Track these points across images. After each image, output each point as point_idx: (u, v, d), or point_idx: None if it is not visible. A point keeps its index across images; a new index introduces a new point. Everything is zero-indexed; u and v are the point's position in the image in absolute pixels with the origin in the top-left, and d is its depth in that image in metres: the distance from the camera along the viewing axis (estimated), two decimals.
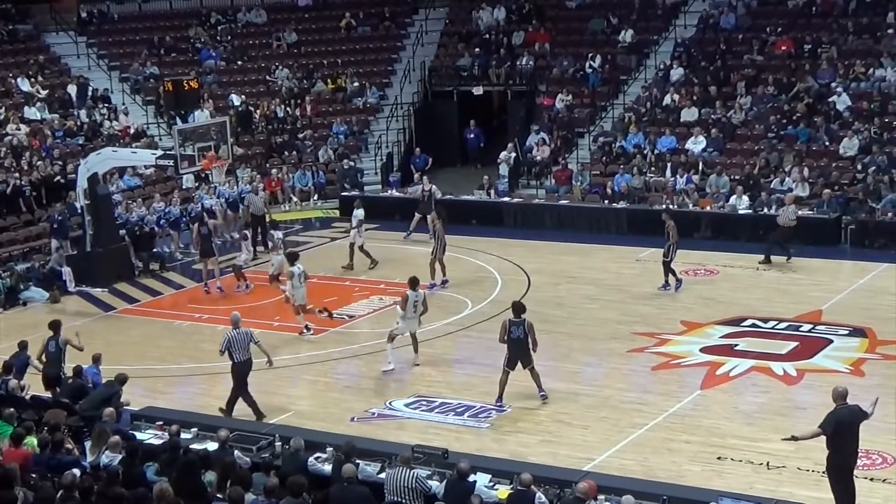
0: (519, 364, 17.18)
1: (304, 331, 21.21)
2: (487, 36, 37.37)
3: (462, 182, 31.26)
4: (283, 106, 35.81)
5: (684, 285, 22.97)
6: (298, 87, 36.71)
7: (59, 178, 28.84)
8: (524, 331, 17.03)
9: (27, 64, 34.90)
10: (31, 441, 13.64)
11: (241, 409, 17.40)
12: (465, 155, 36.28)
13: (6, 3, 36.94)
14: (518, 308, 17.35)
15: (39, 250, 26.73)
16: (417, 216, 27.73)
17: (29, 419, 14.70)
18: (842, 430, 12.75)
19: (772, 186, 27.81)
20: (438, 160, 34.00)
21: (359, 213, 25.79)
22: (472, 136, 35.52)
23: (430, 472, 13.10)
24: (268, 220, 28.44)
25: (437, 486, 12.73)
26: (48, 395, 16.89)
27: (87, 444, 14.24)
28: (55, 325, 18.00)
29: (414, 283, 19.25)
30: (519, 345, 17.07)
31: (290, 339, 21.13)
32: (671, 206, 27.02)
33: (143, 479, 12.56)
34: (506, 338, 17.13)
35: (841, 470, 12.82)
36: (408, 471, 12.56)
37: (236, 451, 13.59)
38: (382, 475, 12.99)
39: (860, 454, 13.27)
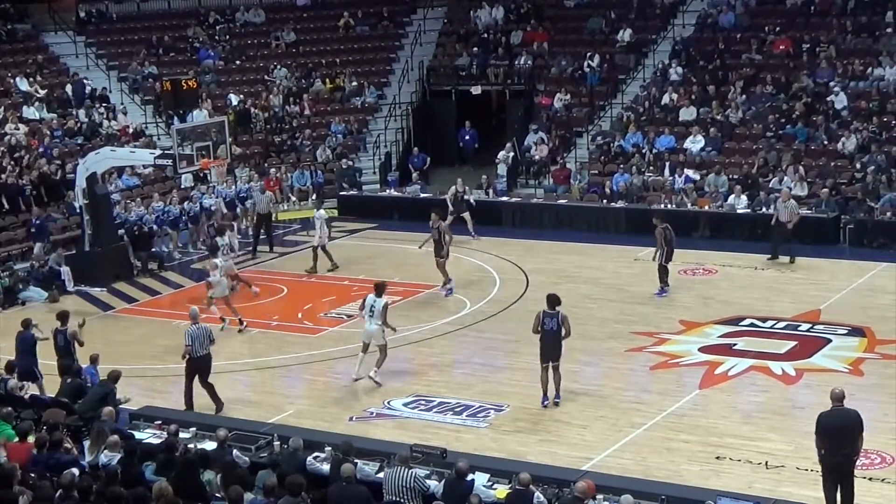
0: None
1: (221, 321, 21.34)
2: (486, 35, 37.33)
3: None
4: (280, 99, 35.75)
5: (683, 285, 23.00)
6: (297, 86, 36.70)
7: (57, 173, 28.80)
8: (558, 323, 16.88)
9: (26, 63, 34.85)
10: (30, 439, 13.65)
11: (241, 409, 17.42)
12: (463, 154, 36.24)
13: (5, 2, 36.89)
14: (553, 300, 17.11)
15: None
16: (468, 217, 27.75)
17: (28, 418, 14.69)
18: (829, 431, 12.80)
19: (770, 186, 27.78)
20: (437, 159, 33.98)
21: (321, 213, 25.75)
22: (467, 137, 35.37)
23: (428, 472, 13.09)
24: (273, 218, 28.48)
25: (435, 485, 12.72)
26: (48, 395, 16.88)
27: (86, 444, 14.24)
28: (63, 317, 18.01)
29: (380, 290, 18.42)
30: (552, 337, 16.90)
31: (287, 338, 21.15)
32: (669, 206, 27.05)
33: (141, 479, 12.56)
34: (539, 328, 17.01)
35: (831, 470, 12.86)
36: (406, 470, 12.54)
37: (235, 451, 13.58)
38: (381, 475, 12.97)
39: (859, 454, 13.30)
